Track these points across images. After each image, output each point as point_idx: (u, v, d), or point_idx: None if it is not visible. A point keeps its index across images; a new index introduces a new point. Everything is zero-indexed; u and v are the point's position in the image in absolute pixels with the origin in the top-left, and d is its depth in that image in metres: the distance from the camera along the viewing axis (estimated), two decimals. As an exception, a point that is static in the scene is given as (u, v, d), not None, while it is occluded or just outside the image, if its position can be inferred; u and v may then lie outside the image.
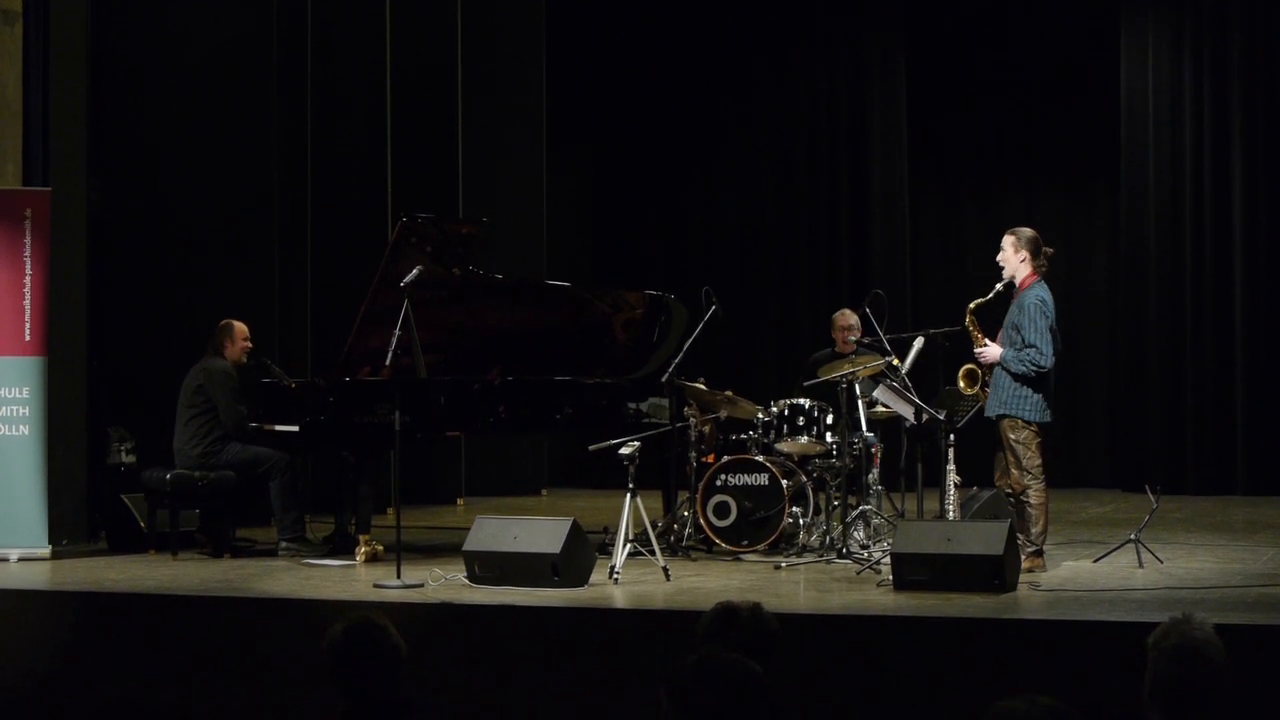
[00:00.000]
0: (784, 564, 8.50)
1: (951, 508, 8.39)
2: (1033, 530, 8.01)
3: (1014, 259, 8.18)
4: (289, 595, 7.54)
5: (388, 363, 8.44)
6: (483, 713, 6.11)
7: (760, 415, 9.31)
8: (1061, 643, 6.41)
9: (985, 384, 8.22)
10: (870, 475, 9.26)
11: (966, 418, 8.61)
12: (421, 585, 7.60)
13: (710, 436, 9.60)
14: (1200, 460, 13.07)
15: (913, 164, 14.11)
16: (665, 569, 7.91)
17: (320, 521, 9.67)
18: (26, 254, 8.96)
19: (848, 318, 10.02)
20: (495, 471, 13.59)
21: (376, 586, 7.63)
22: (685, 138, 14.65)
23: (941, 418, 8.50)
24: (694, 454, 9.25)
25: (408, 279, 8.35)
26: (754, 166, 14.53)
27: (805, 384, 9.57)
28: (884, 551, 8.13)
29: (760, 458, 9.09)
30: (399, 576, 7.63)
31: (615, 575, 7.77)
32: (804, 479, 9.14)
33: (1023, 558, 7.75)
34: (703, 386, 9.49)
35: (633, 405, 9.47)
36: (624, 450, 8.16)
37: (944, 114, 14.17)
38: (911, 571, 7.36)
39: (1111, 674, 5.72)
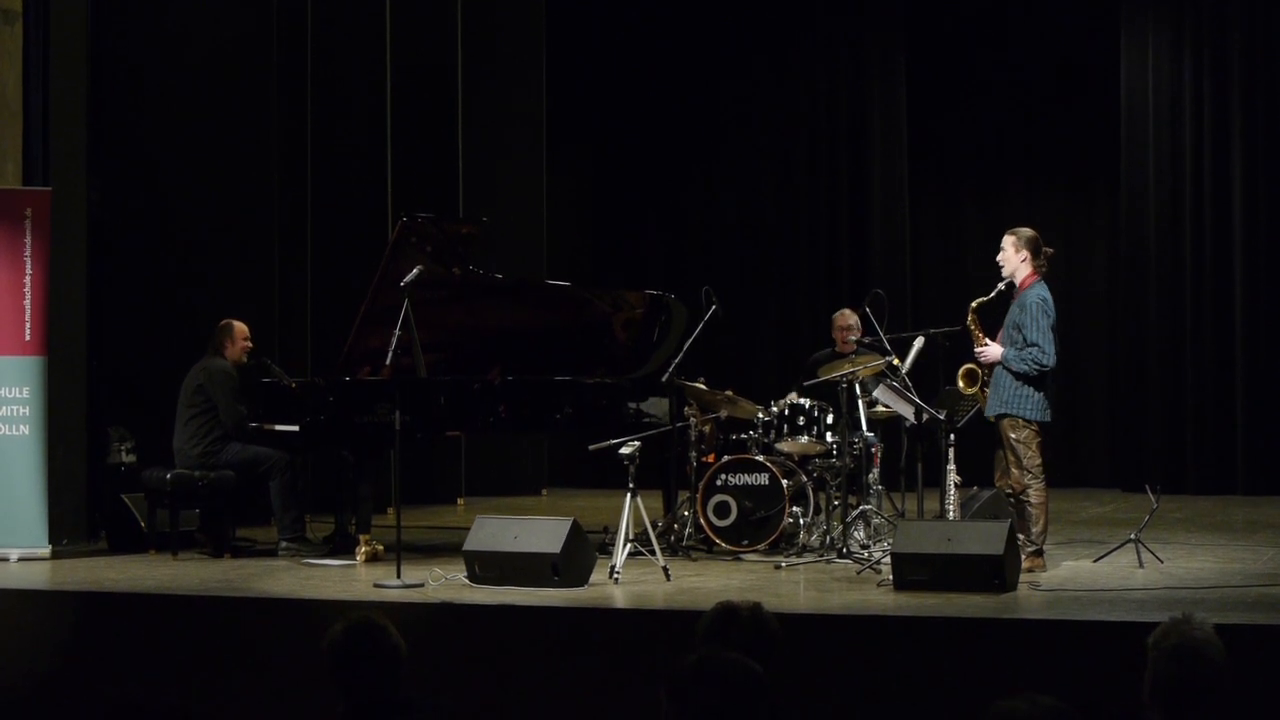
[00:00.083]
0: (784, 564, 8.50)
1: (951, 507, 8.39)
2: (1033, 530, 8.01)
3: (1014, 259, 8.18)
4: (289, 595, 7.54)
5: (388, 362, 8.44)
6: (483, 713, 6.11)
7: (760, 415, 9.31)
8: (1061, 642, 6.41)
9: (985, 384, 8.22)
10: (870, 475, 9.26)
11: (966, 417, 8.61)
12: (422, 585, 7.60)
13: (710, 436, 9.60)
14: (1200, 460, 13.07)
15: (913, 164, 14.12)
16: (665, 569, 7.91)
17: (320, 521, 9.67)
18: (26, 253, 8.96)
19: (847, 318, 10.02)
20: (495, 471, 13.59)
21: (376, 586, 7.63)
22: (685, 138, 14.65)
23: (942, 417, 8.50)
24: (694, 454, 9.25)
25: (408, 279, 8.35)
26: (754, 166, 14.54)
27: (805, 384, 9.57)
28: (884, 551, 8.13)
29: (760, 457, 9.09)
30: (399, 576, 7.63)
31: (615, 575, 7.77)
32: (804, 479, 9.14)
33: (1023, 557, 7.75)
34: (703, 386, 9.49)
35: (633, 405, 9.47)
36: (624, 450, 8.16)
37: (944, 114, 14.17)
38: (912, 571, 7.36)
39: (1111, 674, 5.71)
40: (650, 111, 14.66)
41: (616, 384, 9.50)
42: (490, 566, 7.71)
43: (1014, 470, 8.06)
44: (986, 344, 8.19)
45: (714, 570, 8.40)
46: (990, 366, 8.17)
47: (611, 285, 10.71)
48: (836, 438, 9.03)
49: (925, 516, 8.63)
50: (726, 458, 9.18)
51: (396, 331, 8.33)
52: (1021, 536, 7.86)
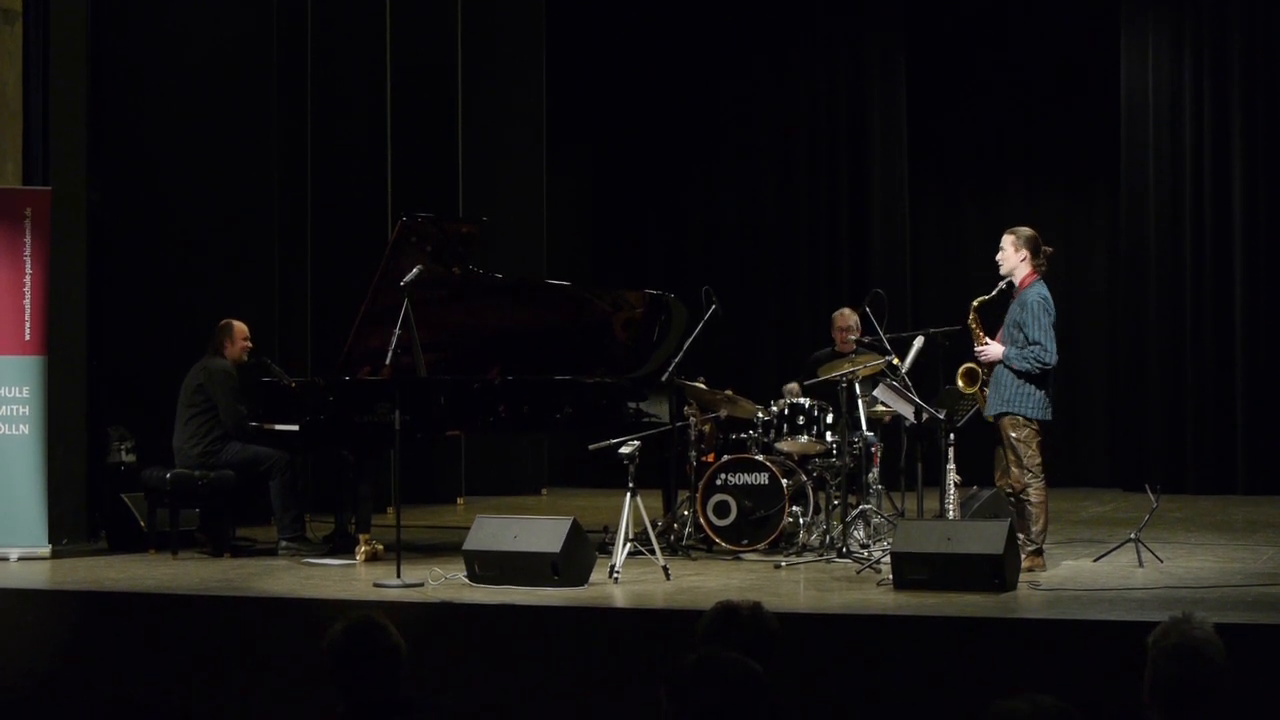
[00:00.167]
0: (784, 563, 8.50)
1: (951, 507, 8.39)
2: (1033, 529, 8.01)
3: (1014, 258, 8.19)
4: (289, 595, 7.54)
5: (388, 362, 8.45)
6: (483, 712, 6.11)
7: (760, 414, 9.31)
8: (1061, 642, 6.41)
9: (985, 384, 8.21)
10: (870, 474, 9.26)
11: (966, 417, 8.62)
12: (421, 585, 7.60)
13: (710, 436, 9.60)
14: (1200, 460, 13.07)
15: (913, 164, 14.12)
16: (665, 568, 7.91)
17: (320, 521, 9.67)
18: (26, 253, 8.96)
19: (847, 318, 10.02)
20: (495, 471, 13.60)
21: (376, 586, 7.63)
22: (685, 138, 14.66)
23: (941, 417, 8.51)
24: (694, 453, 9.25)
25: (408, 278, 8.35)
26: (754, 166, 14.54)
27: (805, 383, 9.57)
28: (884, 551, 8.13)
29: (760, 457, 9.09)
30: (399, 576, 7.63)
31: (615, 574, 7.77)
32: (804, 478, 9.14)
33: (1023, 556, 7.75)
34: (703, 386, 9.49)
35: (633, 404, 9.47)
36: (624, 450, 8.16)
37: (944, 114, 14.18)
38: (911, 571, 7.36)
39: (1111, 673, 5.71)
40: (650, 111, 14.66)
41: (616, 384, 9.50)
42: (490, 566, 7.71)
43: (1014, 469, 8.06)
44: (987, 343, 8.19)
45: (714, 570, 8.40)
46: (991, 366, 8.17)
47: (611, 285, 10.71)
48: (836, 437, 9.03)
49: (925, 516, 8.63)
50: (726, 457, 9.18)
51: (396, 331, 8.33)
52: (1021, 536, 7.86)
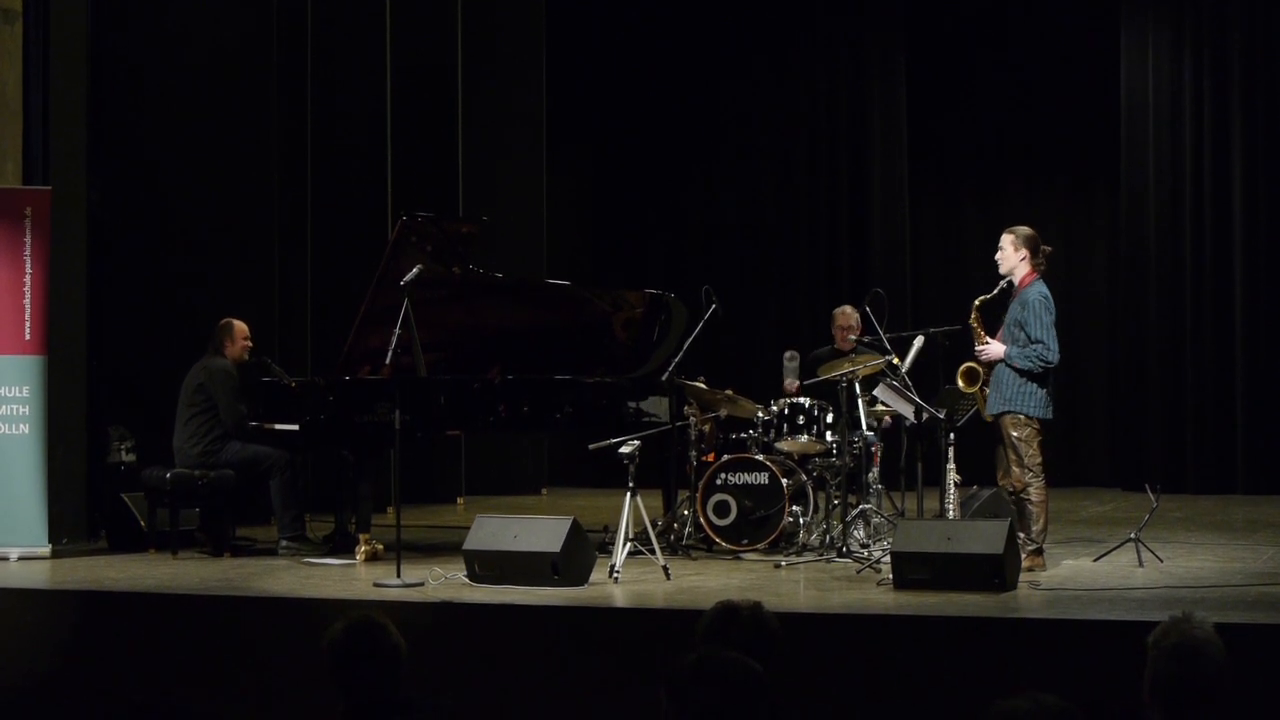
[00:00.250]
0: (784, 563, 8.50)
1: (951, 507, 8.39)
2: (1033, 528, 8.01)
3: (1014, 257, 8.19)
4: (289, 594, 7.54)
5: (388, 362, 8.44)
6: (483, 712, 6.11)
7: (760, 414, 9.31)
8: (1062, 642, 6.41)
9: (985, 383, 8.21)
10: (870, 474, 9.26)
11: (966, 417, 8.62)
12: (421, 584, 7.60)
13: (710, 435, 9.60)
14: (1200, 459, 13.07)
15: (913, 164, 14.13)
16: (665, 568, 7.91)
17: (320, 520, 9.67)
18: (26, 253, 8.96)
19: (848, 316, 10.02)
20: (495, 470, 13.60)
21: (376, 585, 7.63)
22: (685, 138, 14.66)
23: (941, 416, 8.51)
24: (694, 453, 9.25)
25: (408, 278, 8.35)
26: (754, 166, 14.55)
27: (804, 383, 9.57)
28: (884, 550, 8.13)
29: (760, 457, 9.09)
30: (399, 575, 7.63)
31: (615, 574, 7.77)
32: (804, 478, 9.14)
33: (1023, 556, 7.75)
34: (703, 385, 9.49)
35: (633, 404, 9.47)
36: (624, 449, 8.16)
37: (944, 114, 14.18)
38: (912, 570, 7.36)
39: (1111, 673, 5.71)
40: (650, 111, 14.66)
41: (616, 383, 9.50)
42: (490, 566, 7.71)
43: (1015, 468, 8.06)
44: (988, 342, 8.19)
45: (714, 569, 8.40)
46: (992, 365, 8.17)
47: (611, 285, 10.71)
48: (836, 437, 9.04)
49: (925, 516, 8.64)
50: (726, 457, 9.18)
51: (396, 331, 8.33)
52: (1022, 535, 7.86)
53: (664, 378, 9.40)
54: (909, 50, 14.12)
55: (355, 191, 12.14)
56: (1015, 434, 8.03)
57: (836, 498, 8.91)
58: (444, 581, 7.67)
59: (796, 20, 14.38)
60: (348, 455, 9.00)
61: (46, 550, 8.86)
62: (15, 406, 8.94)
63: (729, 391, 9.52)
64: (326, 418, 8.79)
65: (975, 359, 8.25)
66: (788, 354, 9.87)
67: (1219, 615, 5.92)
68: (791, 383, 9.72)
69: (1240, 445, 12.97)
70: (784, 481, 8.93)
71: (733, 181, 14.60)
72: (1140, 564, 8.18)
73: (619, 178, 14.91)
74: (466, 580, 7.72)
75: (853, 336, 9.89)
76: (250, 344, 9.37)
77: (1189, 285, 13.18)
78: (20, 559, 8.75)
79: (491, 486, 13.41)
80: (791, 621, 5.63)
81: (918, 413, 8.64)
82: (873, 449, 9.33)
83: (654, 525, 8.24)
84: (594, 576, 7.76)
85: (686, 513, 9.23)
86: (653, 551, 7.97)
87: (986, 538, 7.35)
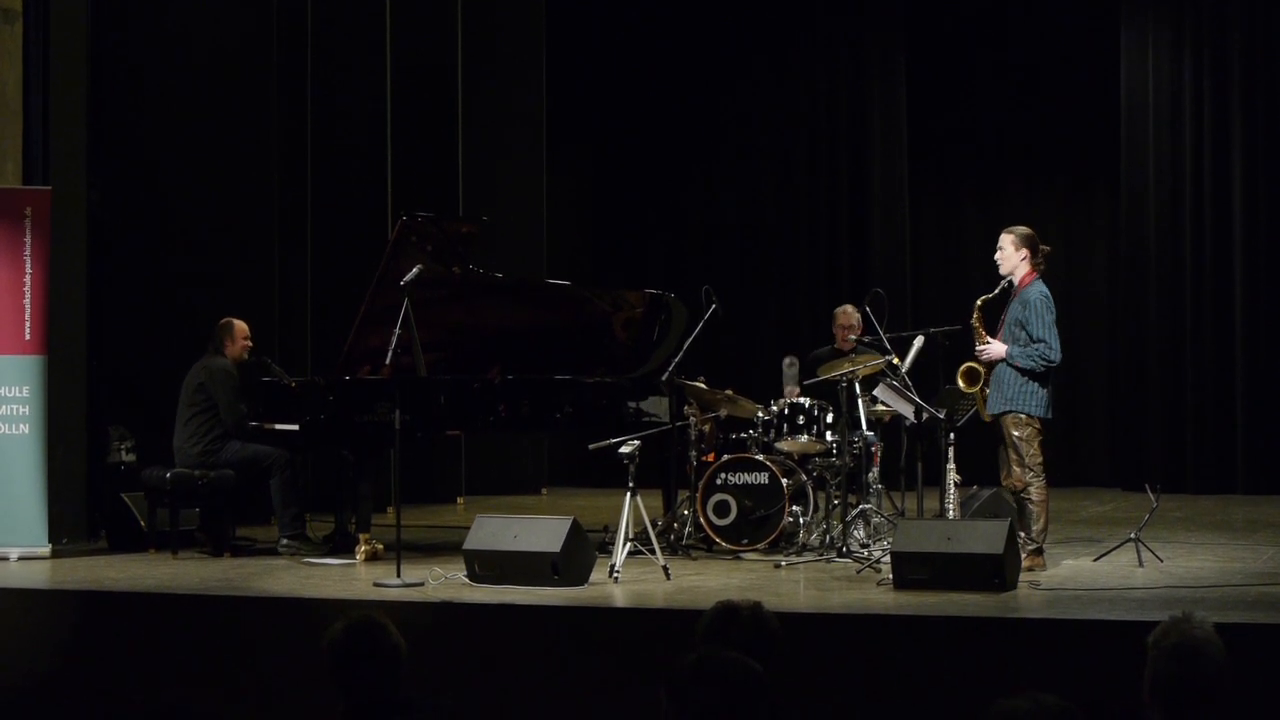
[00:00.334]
0: (784, 563, 8.50)
1: (951, 506, 8.39)
2: (1034, 528, 8.01)
3: (1014, 257, 8.19)
4: (289, 594, 7.54)
5: (388, 361, 8.44)
6: (483, 712, 6.11)
7: (760, 414, 9.32)
8: (1062, 642, 6.41)
9: (985, 384, 8.21)
10: (870, 474, 9.26)
11: (966, 416, 8.62)
12: (422, 584, 7.60)
13: (710, 435, 9.60)
14: (1200, 459, 13.07)
15: (913, 164, 14.13)
16: (665, 568, 7.91)
17: (320, 520, 9.67)
18: (26, 253, 8.97)
19: (849, 315, 10.01)
20: (495, 470, 13.60)
21: (376, 585, 7.63)
22: (685, 138, 14.66)
23: (941, 416, 8.50)
24: (694, 453, 9.25)
25: (408, 278, 8.35)
26: (754, 166, 14.55)
27: (804, 382, 9.57)
28: (884, 550, 8.13)
29: (760, 456, 9.09)
30: (399, 575, 7.63)
31: (615, 574, 7.77)
32: (804, 478, 9.14)
33: (1023, 555, 7.75)
34: (703, 385, 9.49)
35: (633, 404, 9.47)
36: (624, 449, 8.16)
37: (944, 114, 14.18)
38: (912, 570, 7.36)
39: (1111, 673, 5.71)
40: (650, 111, 14.66)
41: (616, 383, 9.50)
42: (490, 566, 7.71)
43: (1015, 468, 8.06)
44: (989, 342, 8.19)
45: (714, 569, 8.40)
46: (992, 365, 8.17)
47: (611, 285, 10.71)
48: (836, 437, 9.04)
49: (925, 515, 8.64)
50: (726, 457, 9.18)
51: (396, 330, 8.33)
52: (1022, 535, 7.87)
53: (664, 378, 9.40)
54: (909, 50, 14.12)
55: (355, 191, 12.14)
56: (1016, 433, 8.03)
57: (836, 498, 8.91)
58: (444, 581, 7.67)
59: (796, 20, 14.38)
60: (348, 455, 9.00)
61: (46, 550, 8.86)
62: (15, 406, 8.94)
63: (729, 391, 9.52)
64: (326, 417, 8.79)
65: (976, 359, 8.25)
66: (787, 360, 9.85)
67: (1219, 615, 5.92)
68: (792, 390, 9.70)
69: (1240, 445, 12.97)
70: (784, 481, 8.93)
71: (733, 181, 14.60)
72: (1140, 564, 8.18)
73: (619, 178, 14.91)
74: (466, 580, 7.72)
75: (853, 336, 9.89)
76: (250, 344, 9.37)
77: (1189, 285, 13.18)
78: (20, 559, 8.75)
79: (491, 486, 13.41)
80: (791, 621, 5.63)
81: (918, 412, 8.64)
82: (873, 449, 9.33)
83: (654, 525, 8.25)
84: (594, 576, 7.76)
85: (686, 513, 9.23)
86: (653, 551, 7.97)
87: (986, 537, 7.35)
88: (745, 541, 8.96)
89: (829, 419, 9.16)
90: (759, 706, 3.16)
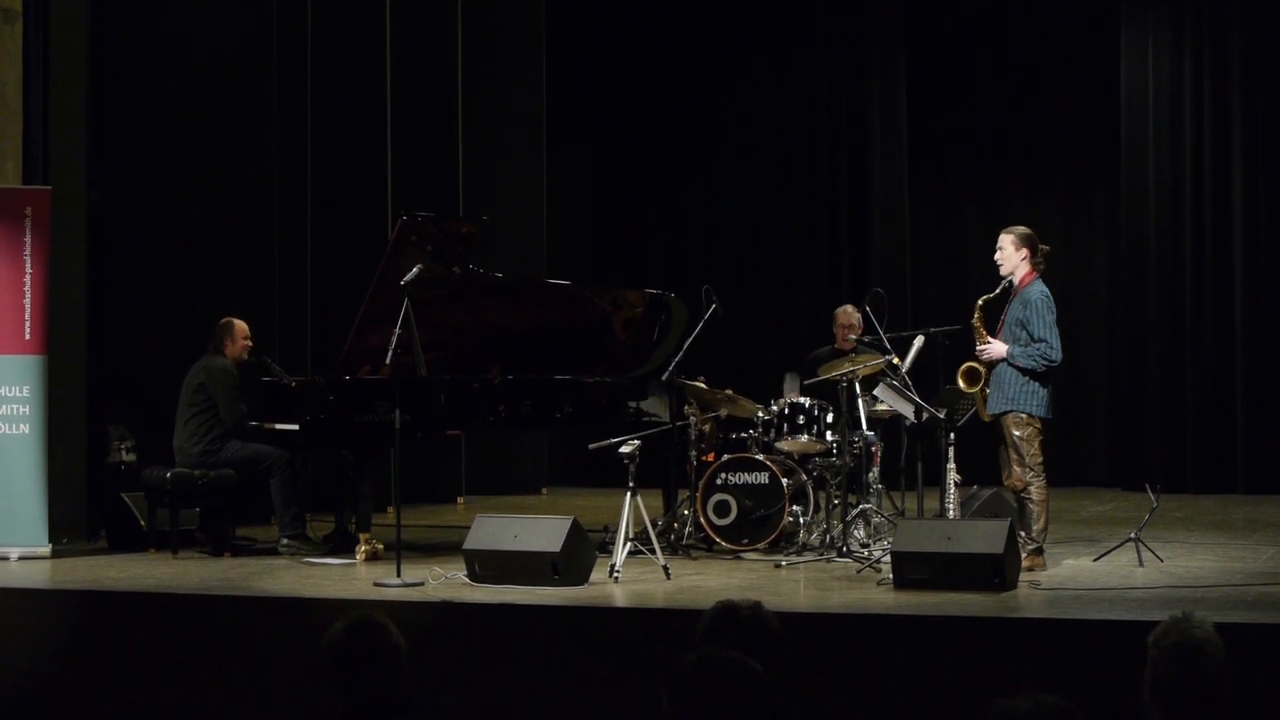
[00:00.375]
0: (784, 563, 8.50)
1: (952, 506, 8.39)
2: (1034, 527, 8.01)
3: (1015, 256, 8.20)
4: (289, 594, 7.54)
5: (388, 361, 8.44)
6: (483, 712, 6.11)
7: (760, 414, 9.32)
8: (1062, 641, 6.41)
9: (986, 384, 8.21)
10: (870, 474, 9.26)
11: (966, 416, 8.62)
12: (422, 584, 7.60)
13: (710, 435, 9.60)
14: (1200, 459, 13.08)
15: (913, 164, 14.12)
16: (665, 568, 7.91)
17: (320, 520, 9.67)
18: (26, 252, 8.97)
19: (850, 315, 10.02)
20: (495, 470, 13.60)
21: (377, 585, 7.63)
22: (685, 138, 14.66)
23: (941, 416, 8.51)
24: (694, 452, 9.25)
25: (408, 277, 8.35)
26: (754, 166, 14.55)
27: (804, 382, 9.57)
28: (884, 550, 8.13)
29: (760, 456, 9.09)
30: (399, 575, 7.63)
31: (615, 574, 7.77)
32: (804, 477, 9.14)
33: (1023, 555, 7.75)
34: (703, 385, 9.49)
35: (633, 404, 9.47)
36: (624, 449, 8.17)
37: (944, 114, 14.18)
38: (912, 570, 7.37)
39: (1112, 673, 5.71)
40: (650, 111, 14.66)
41: (616, 383, 9.50)
42: (490, 565, 7.71)
43: (1016, 468, 8.06)
44: (990, 341, 8.19)
45: (714, 569, 8.40)
46: (993, 364, 8.17)
47: (611, 285, 10.70)
48: (836, 437, 9.04)
49: (925, 515, 8.63)
50: (726, 456, 9.19)
51: (396, 330, 8.33)
52: (1022, 534, 7.87)
53: (664, 377, 9.40)
54: (909, 50, 14.12)
55: (355, 191, 12.14)
56: (1017, 433, 8.03)
57: (837, 497, 8.91)
58: (444, 581, 7.67)
59: (796, 20, 14.37)
60: (348, 455, 9.00)
61: (46, 550, 8.86)
62: (15, 406, 8.94)
63: (729, 391, 9.52)
64: (326, 417, 8.79)
65: (976, 359, 8.24)
66: (788, 376, 9.81)
67: (1219, 615, 5.92)
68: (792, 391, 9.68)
69: (1240, 445, 12.97)
70: (784, 481, 8.93)
71: (733, 181, 14.60)
72: (1140, 564, 8.18)
73: (619, 178, 14.91)
74: (466, 580, 7.72)
75: (853, 336, 9.89)
76: (250, 343, 9.37)
77: (1189, 285, 13.18)
78: (20, 559, 8.75)
79: (492, 486, 13.41)
80: (791, 621, 5.63)
81: (918, 412, 8.64)
82: (873, 449, 9.33)
83: (654, 525, 8.25)
84: (594, 576, 7.76)
85: (687, 512, 9.23)
86: (653, 551, 7.97)
87: (987, 537, 7.35)
88: (745, 541, 8.96)
89: (829, 419, 9.16)
90: (759, 706, 3.16)
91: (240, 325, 9.34)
